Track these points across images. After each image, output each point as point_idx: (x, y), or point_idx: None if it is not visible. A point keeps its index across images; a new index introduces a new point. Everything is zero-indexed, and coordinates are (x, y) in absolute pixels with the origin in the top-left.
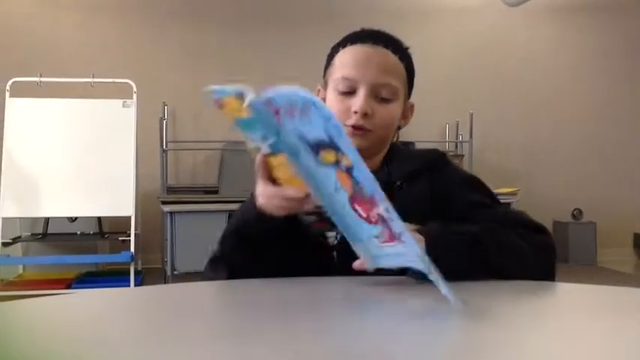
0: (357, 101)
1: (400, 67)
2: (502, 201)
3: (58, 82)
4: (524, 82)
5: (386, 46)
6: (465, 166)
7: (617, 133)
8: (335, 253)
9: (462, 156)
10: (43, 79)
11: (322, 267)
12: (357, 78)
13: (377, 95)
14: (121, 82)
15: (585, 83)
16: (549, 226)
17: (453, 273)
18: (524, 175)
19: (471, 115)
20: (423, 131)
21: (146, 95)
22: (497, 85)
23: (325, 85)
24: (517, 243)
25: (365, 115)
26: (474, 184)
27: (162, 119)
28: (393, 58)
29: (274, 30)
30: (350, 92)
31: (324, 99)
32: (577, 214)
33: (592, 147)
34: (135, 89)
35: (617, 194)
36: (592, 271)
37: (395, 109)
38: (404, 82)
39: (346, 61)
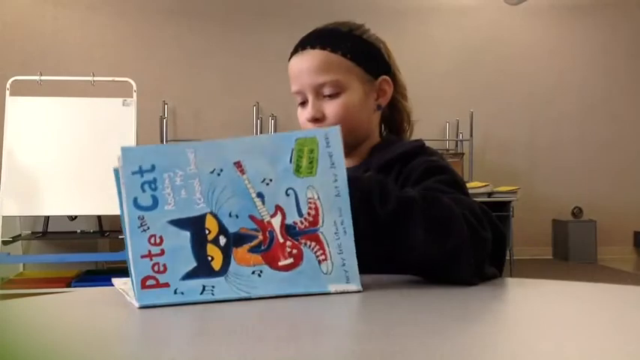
0: (307, 110)
1: (335, 58)
2: (502, 199)
3: (59, 81)
4: (525, 81)
5: (313, 47)
6: (465, 165)
7: (618, 131)
8: None
9: (463, 154)
10: (43, 78)
11: None
12: (301, 89)
13: (323, 95)
14: (121, 81)
15: (586, 81)
16: (549, 225)
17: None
18: (525, 173)
19: (472, 114)
20: (423, 130)
21: (146, 94)
22: (498, 84)
23: None
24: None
25: (316, 120)
26: (434, 171)
27: (162, 118)
28: (323, 56)
29: (275, 28)
30: (306, 102)
31: None
32: (577, 212)
33: (592, 145)
34: (135, 88)
35: (617, 192)
36: (592, 269)
37: (346, 99)
38: (349, 69)
39: (290, 76)
